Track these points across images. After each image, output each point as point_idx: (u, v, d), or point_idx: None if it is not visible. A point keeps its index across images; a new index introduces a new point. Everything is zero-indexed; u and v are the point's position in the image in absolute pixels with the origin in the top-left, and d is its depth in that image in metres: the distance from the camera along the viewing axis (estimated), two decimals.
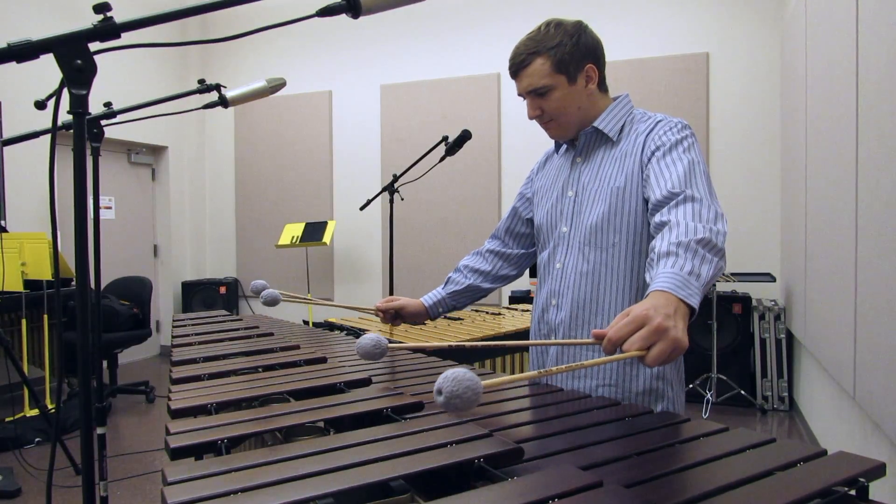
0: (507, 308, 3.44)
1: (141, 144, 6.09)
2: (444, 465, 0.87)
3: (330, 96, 6.12)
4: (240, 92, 2.06)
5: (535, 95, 1.45)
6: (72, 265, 3.65)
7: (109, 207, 5.89)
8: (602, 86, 1.50)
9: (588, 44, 1.44)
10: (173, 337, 2.06)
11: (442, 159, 3.19)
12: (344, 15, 1.01)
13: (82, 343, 0.91)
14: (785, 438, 1.00)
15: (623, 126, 1.49)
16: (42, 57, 0.88)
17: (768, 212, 4.78)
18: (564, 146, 1.60)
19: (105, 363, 4.73)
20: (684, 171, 1.29)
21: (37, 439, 3.70)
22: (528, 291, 5.02)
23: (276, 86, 2.10)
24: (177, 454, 0.97)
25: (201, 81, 2.07)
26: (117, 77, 5.51)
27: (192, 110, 2.36)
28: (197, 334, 2.07)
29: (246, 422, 1.08)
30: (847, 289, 2.42)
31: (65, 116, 1.02)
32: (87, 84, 0.88)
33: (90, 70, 0.88)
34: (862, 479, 0.84)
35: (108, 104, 1.99)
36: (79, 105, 0.87)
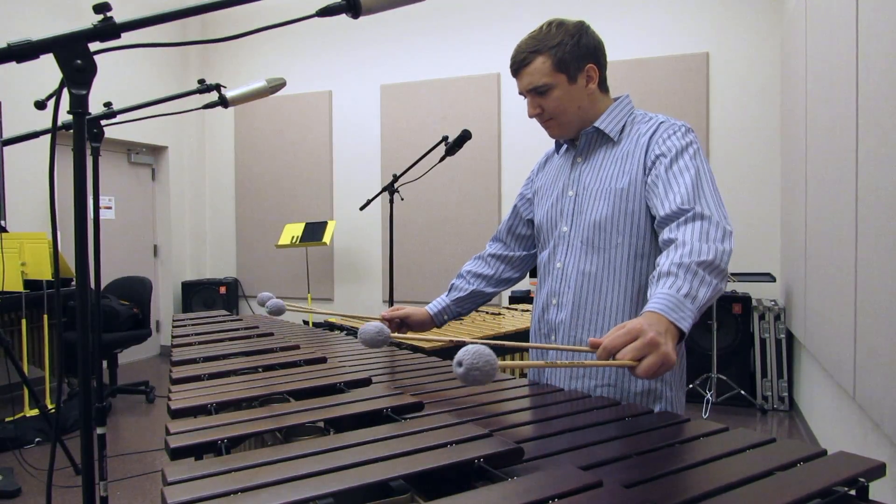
0: (507, 308, 3.44)
1: (141, 144, 6.09)
2: (444, 465, 0.87)
3: (330, 96, 6.12)
4: (240, 92, 2.06)
5: (535, 94, 1.46)
6: (72, 265, 3.65)
7: (109, 207, 5.89)
8: (603, 86, 1.51)
9: (589, 44, 1.45)
10: (173, 337, 2.06)
11: (442, 159, 3.19)
12: (344, 15, 1.01)
13: (82, 343, 0.91)
14: (785, 438, 1.00)
15: (624, 126, 1.49)
16: (42, 57, 0.88)
17: (768, 212, 4.78)
18: (565, 146, 1.60)
19: (105, 363, 4.73)
20: (692, 182, 1.30)
21: (37, 439, 3.70)
22: (529, 291, 5.02)
23: (276, 86, 2.10)
24: (177, 454, 0.97)
25: (201, 81, 2.07)
26: (117, 77, 5.51)
27: (192, 110, 2.36)
28: (197, 334, 2.07)
29: (246, 422, 1.08)
30: (847, 289, 2.42)
31: (65, 116, 1.02)
32: (87, 84, 0.88)
33: (90, 70, 0.88)
34: (862, 479, 0.84)
35: (108, 104, 1.99)
36: (79, 105, 0.87)
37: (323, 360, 1.62)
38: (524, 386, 1.45)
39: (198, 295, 6.19)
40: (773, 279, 4.54)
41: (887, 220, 1.92)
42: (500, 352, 2.71)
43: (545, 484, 0.79)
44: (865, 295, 2.19)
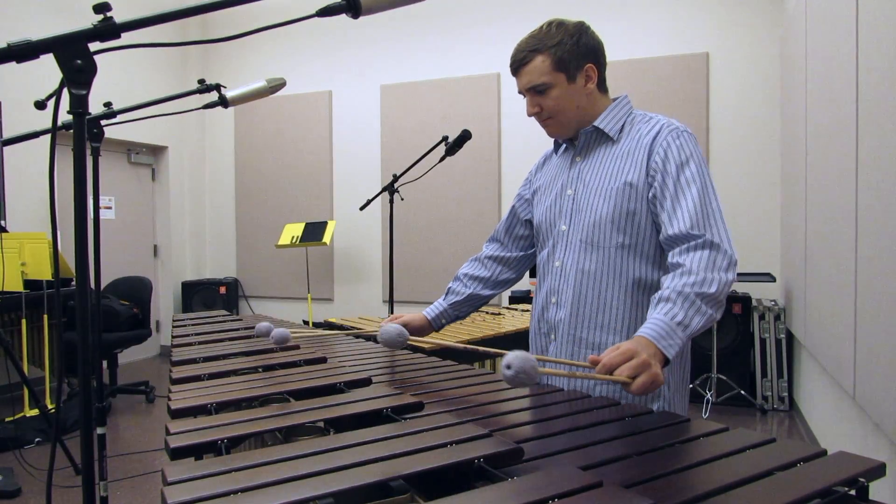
0: (507, 308, 3.44)
1: (141, 144, 6.09)
2: (444, 465, 0.87)
3: (330, 96, 6.12)
4: (240, 92, 2.06)
5: (534, 93, 1.47)
6: (72, 265, 3.64)
7: (109, 207, 5.89)
8: (602, 86, 1.51)
9: (589, 44, 1.46)
10: (173, 337, 2.06)
11: (442, 159, 3.20)
12: (344, 15, 1.01)
13: (82, 343, 0.91)
14: (785, 438, 1.00)
15: (623, 126, 1.50)
16: (42, 57, 0.88)
17: (768, 212, 4.78)
18: (563, 146, 1.61)
19: (105, 363, 4.73)
20: (699, 199, 1.33)
21: (37, 439, 3.70)
22: (528, 291, 5.02)
23: (276, 86, 2.10)
24: (177, 454, 0.97)
25: (201, 81, 2.07)
26: (117, 77, 5.51)
27: (192, 110, 2.36)
28: (197, 334, 2.07)
29: (246, 422, 1.08)
30: (847, 289, 2.42)
31: (65, 116, 1.02)
32: (87, 84, 0.88)
33: (90, 70, 0.88)
34: (862, 479, 0.84)
35: (108, 104, 1.99)
36: (79, 105, 0.87)
37: (323, 360, 1.62)
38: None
39: (198, 295, 6.19)
40: (773, 279, 4.54)
41: (887, 220, 1.92)
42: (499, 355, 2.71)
43: (545, 484, 0.79)
44: (865, 295, 2.19)
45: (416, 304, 5.32)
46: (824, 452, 0.93)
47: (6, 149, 4.67)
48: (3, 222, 4.57)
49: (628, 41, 5.05)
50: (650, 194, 1.40)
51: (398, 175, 3.32)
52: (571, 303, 1.48)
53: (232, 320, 2.45)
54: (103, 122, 1.98)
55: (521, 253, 1.75)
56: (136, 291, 4.97)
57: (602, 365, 1.10)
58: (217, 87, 2.07)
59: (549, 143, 1.66)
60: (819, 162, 3.05)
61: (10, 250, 3.70)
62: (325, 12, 1.00)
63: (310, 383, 1.35)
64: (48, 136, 1.13)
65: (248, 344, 1.86)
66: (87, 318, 0.91)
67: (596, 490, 0.79)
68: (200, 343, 1.91)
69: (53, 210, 0.99)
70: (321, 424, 1.11)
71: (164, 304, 6.38)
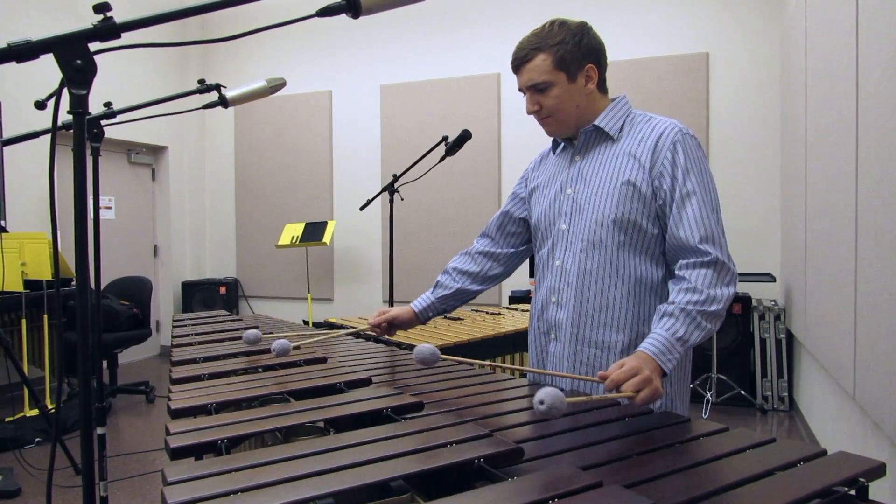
0: (507, 308, 3.44)
1: (141, 144, 6.09)
2: (444, 465, 0.87)
3: (330, 96, 6.12)
4: (240, 92, 2.06)
5: (534, 91, 1.47)
6: (72, 265, 3.64)
7: (109, 207, 5.89)
8: (602, 87, 1.52)
9: (590, 44, 1.46)
10: (173, 337, 2.06)
11: (442, 159, 3.20)
12: (344, 15, 1.01)
13: (82, 343, 0.91)
14: (785, 438, 1.00)
15: (623, 125, 1.50)
16: (42, 57, 0.88)
17: (768, 212, 4.78)
18: (562, 145, 1.61)
19: (105, 363, 4.73)
20: (705, 206, 1.38)
21: (37, 439, 3.70)
22: (528, 291, 5.02)
23: (276, 86, 2.10)
24: (177, 454, 0.97)
25: (201, 81, 2.07)
26: (117, 77, 5.50)
27: (192, 110, 2.36)
28: (197, 334, 2.07)
29: (246, 422, 1.08)
30: (847, 289, 2.42)
31: (65, 116, 1.02)
32: (87, 84, 0.88)
33: (90, 70, 0.88)
34: (862, 479, 0.84)
35: (108, 104, 1.99)
36: (79, 105, 0.87)
37: (323, 360, 1.62)
38: (524, 386, 1.45)
39: (198, 295, 6.19)
40: (773, 279, 4.54)
41: (887, 220, 1.92)
42: (500, 353, 2.71)
43: (545, 484, 0.79)
44: (865, 295, 2.19)
45: None
46: (824, 452, 0.93)
47: (6, 149, 4.67)
48: (3, 222, 4.57)
49: (628, 41, 5.05)
50: (656, 195, 1.42)
51: (398, 175, 3.32)
52: (574, 302, 1.48)
53: (232, 320, 2.45)
54: (103, 122, 1.98)
55: (512, 250, 1.75)
56: (136, 291, 4.97)
57: (610, 380, 1.20)
58: (217, 87, 2.07)
59: (549, 142, 1.66)
60: (819, 162, 3.05)
61: (10, 250, 3.70)
62: (325, 12, 1.00)
63: (310, 383, 1.35)
64: (48, 136, 1.13)
65: (248, 344, 1.86)
66: (87, 318, 0.91)
67: (596, 490, 0.79)
68: (200, 343, 1.91)
69: (53, 210, 0.99)
70: (321, 424, 1.11)
71: (164, 304, 6.38)
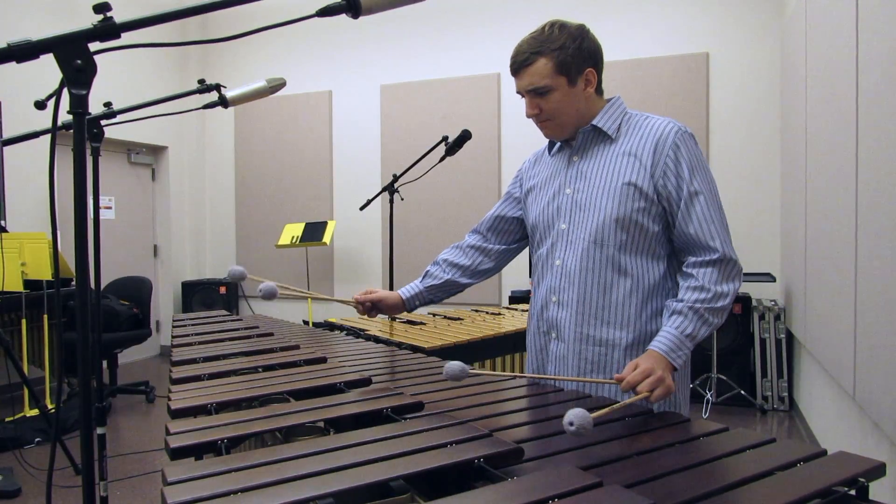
0: (508, 308, 3.44)
1: (141, 144, 6.09)
2: (444, 465, 0.87)
3: (330, 96, 6.12)
4: (240, 92, 2.06)
5: (534, 94, 1.47)
6: (72, 265, 3.64)
7: (109, 207, 5.89)
8: (598, 89, 1.53)
9: (590, 48, 1.47)
10: (173, 337, 2.06)
11: (442, 159, 3.20)
12: (344, 15, 1.01)
13: (82, 343, 0.91)
14: (785, 438, 1.00)
15: (620, 125, 1.51)
16: (42, 57, 0.88)
17: (768, 212, 4.77)
18: (558, 145, 1.61)
19: (105, 363, 4.73)
20: (711, 204, 1.42)
21: (37, 439, 3.70)
22: (529, 291, 5.02)
23: (276, 86, 2.10)
24: (177, 454, 0.97)
25: (201, 81, 2.07)
26: (117, 77, 5.50)
27: (192, 110, 2.36)
28: (197, 334, 2.07)
29: (246, 422, 1.08)
30: (847, 289, 2.42)
31: (65, 116, 1.02)
32: (87, 84, 0.88)
33: (90, 70, 0.88)
34: (862, 479, 0.84)
35: (108, 104, 1.99)
36: (79, 105, 0.87)
37: (323, 360, 1.63)
38: (524, 386, 1.45)
39: (198, 295, 6.19)
40: (773, 279, 4.54)
41: (887, 220, 1.92)
42: (499, 353, 2.71)
43: (545, 484, 0.79)
44: (865, 295, 2.19)
45: None
46: (824, 452, 0.93)
47: (6, 149, 4.67)
48: (3, 222, 4.57)
49: (628, 41, 5.05)
50: (660, 194, 1.43)
51: (398, 175, 3.32)
52: (577, 302, 1.49)
53: (232, 320, 2.45)
54: (103, 122, 1.98)
55: (504, 246, 1.76)
56: (136, 291, 4.97)
57: (626, 382, 1.27)
58: (217, 87, 2.07)
59: (549, 141, 1.66)
60: (819, 162, 3.05)
61: (10, 250, 3.70)
62: (325, 12, 1.00)
63: (310, 383, 1.35)
64: (48, 136, 1.13)
65: (248, 344, 1.86)
66: (87, 318, 0.91)
67: (596, 490, 0.79)
68: (200, 343, 1.91)
69: (53, 210, 0.99)
70: (321, 424, 1.11)
71: (164, 304, 6.38)
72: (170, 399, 1.25)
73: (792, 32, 4.06)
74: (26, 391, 3.89)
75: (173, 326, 2.30)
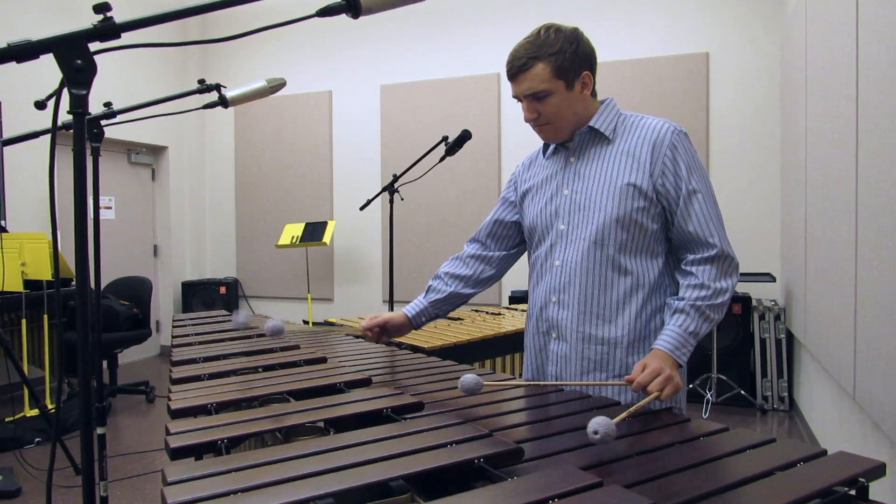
0: (507, 308, 3.44)
1: (141, 144, 6.09)
2: (444, 465, 0.87)
3: (330, 96, 6.12)
4: (240, 92, 2.06)
5: (533, 99, 1.48)
6: (72, 265, 3.64)
7: (109, 207, 5.89)
8: (593, 92, 1.55)
9: (585, 51, 1.49)
10: (173, 337, 2.06)
11: (442, 159, 3.19)
12: (344, 15, 1.01)
13: (82, 343, 0.91)
14: (785, 438, 1.00)
15: (615, 126, 1.53)
16: (42, 57, 0.88)
17: (768, 212, 4.77)
18: (553, 147, 1.62)
19: (105, 363, 4.73)
20: (709, 202, 1.45)
21: (37, 439, 3.70)
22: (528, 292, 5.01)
23: (276, 86, 2.10)
24: (177, 454, 0.97)
25: (201, 81, 2.07)
26: (117, 77, 5.50)
27: (192, 110, 2.36)
28: (197, 334, 2.07)
29: (246, 422, 1.08)
30: (847, 289, 2.42)
31: (65, 116, 1.02)
32: (87, 84, 0.88)
33: (90, 70, 0.88)
34: (862, 479, 0.84)
35: (108, 104, 1.99)
36: (79, 105, 0.87)
37: (323, 360, 1.63)
38: (524, 386, 1.45)
39: (198, 295, 6.19)
40: (773, 279, 4.54)
41: (887, 220, 1.92)
42: (500, 352, 2.71)
43: (545, 484, 0.79)
44: (865, 295, 2.19)
45: None
46: (824, 452, 0.93)
47: (6, 149, 4.67)
48: (3, 222, 4.57)
49: (628, 41, 5.05)
50: (658, 193, 1.45)
51: (398, 175, 3.32)
52: (578, 301, 1.50)
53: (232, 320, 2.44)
54: (103, 122, 1.98)
55: (504, 252, 1.76)
56: (136, 291, 4.97)
57: (637, 383, 1.30)
58: (217, 87, 2.07)
59: None
60: (819, 162, 3.05)
61: (10, 250, 3.70)
62: (325, 12, 1.00)
63: (310, 383, 1.35)
64: (48, 136, 1.13)
65: (248, 344, 1.86)
66: (87, 318, 0.91)
67: (596, 490, 0.79)
68: (200, 343, 1.91)
69: (53, 210, 0.99)
70: (321, 424, 1.11)
71: (164, 304, 6.38)
72: (170, 399, 1.25)
73: (792, 32, 4.06)
74: (26, 391, 3.89)
75: (173, 326, 2.30)
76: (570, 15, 5.11)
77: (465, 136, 3.16)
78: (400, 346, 2.20)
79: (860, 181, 2.25)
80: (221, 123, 6.57)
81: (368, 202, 3.59)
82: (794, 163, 3.95)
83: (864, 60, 2.22)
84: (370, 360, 1.76)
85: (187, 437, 1.01)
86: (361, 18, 1.03)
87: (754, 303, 4.53)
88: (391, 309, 3.45)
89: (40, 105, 1.22)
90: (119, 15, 0.90)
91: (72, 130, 0.90)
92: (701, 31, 4.92)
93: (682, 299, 1.42)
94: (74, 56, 0.86)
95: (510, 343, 2.73)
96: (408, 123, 5.77)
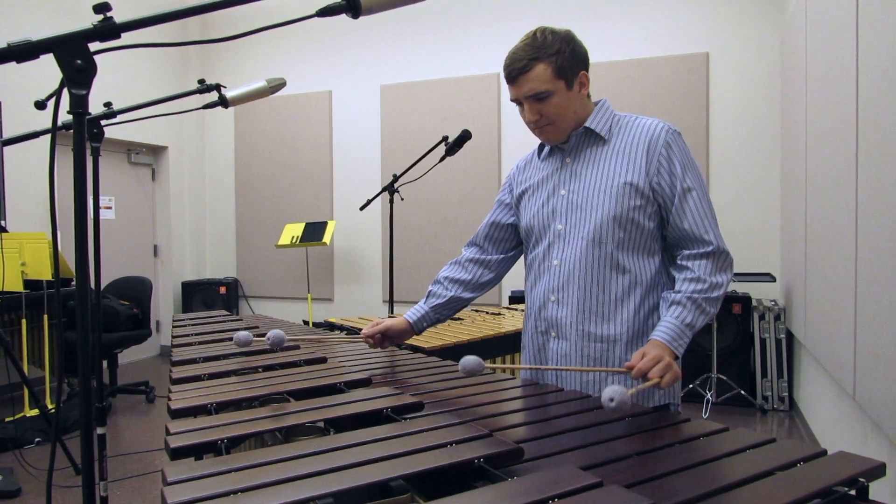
0: (507, 308, 3.44)
1: (141, 144, 6.09)
2: (444, 465, 0.87)
3: (330, 96, 6.12)
4: (240, 92, 2.06)
5: (534, 100, 1.49)
6: (72, 265, 3.64)
7: (109, 207, 5.89)
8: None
9: (581, 52, 1.51)
10: (173, 337, 2.06)
11: (442, 159, 3.20)
12: (344, 15, 1.01)
13: (82, 343, 0.91)
14: (785, 438, 1.00)
15: (610, 126, 1.55)
16: (42, 57, 0.88)
17: (768, 212, 4.77)
18: (548, 149, 1.64)
19: (105, 363, 4.73)
20: (703, 199, 1.48)
21: (37, 439, 3.70)
22: None
23: (276, 86, 2.10)
24: (177, 454, 0.97)
25: (201, 81, 2.07)
26: (117, 77, 5.50)
27: (192, 110, 2.36)
28: (197, 334, 2.07)
29: (246, 422, 1.08)
30: (847, 289, 2.42)
31: (65, 116, 1.02)
32: (87, 84, 0.88)
33: (90, 70, 0.88)
34: (862, 479, 0.84)
35: (108, 104, 1.99)
36: (79, 105, 0.87)
37: (323, 360, 1.63)
38: (524, 386, 1.45)
39: (198, 295, 6.19)
40: (773, 279, 4.54)
41: (887, 219, 1.92)
42: (500, 351, 2.71)
43: (545, 484, 0.79)
44: (865, 295, 2.19)
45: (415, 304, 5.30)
46: (824, 452, 0.93)
47: (6, 149, 4.67)
48: (3, 222, 4.57)
49: (628, 41, 5.05)
50: (655, 192, 1.48)
51: (398, 175, 3.32)
52: (577, 300, 1.52)
53: (232, 320, 2.45)
54: (103, 122, 1.98)
55: (502, 255, 1.77)
56: (136, 291, 4.97)
57: (637, 370, 1.31)
58: (217, 87, 2.07)
59: None
60: (819, 162, 3.05)
61: (10, 250, 3.70)
62: (325, 12, 1.00)
63: (310, 383, 1.35)
64: (48, 136, 1.13)
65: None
66: (87, 318, 0.91)
67: (596, 490, 0.79)
68: (200, 343, 1.91)
69: (53, 210, 0.99)
70: (321, 424, 1.11)
71: (164, 304, 6.38)
72: (170, 399, 1.25)
73: (792, 32, 4.06)
74: (26, 391, 3.89)
75: (173, 326, 2.30)
76: (570, 14, 5.11)
77: (464, 137, 3.16)
78: (400, 346, 2.20)
79: (860, 181, 2.25)
80: (221, 123, 6.57)
81: (368, 202, 3.59)
82: (794, 163, 3.95)
83: (864, 60, 2.22)
84: (370, 360, 1.76)
85: (187, 437, 1.01)
86: (361, 18, 1.03)
87: (754, 303, 4.53)
88: (391, 309, 3.45)
89: (40, 105, 1.22)
90: (119, 15, 0.90)
91: (72, 130, 0.90)
92: (701, 31, 4.92)
93: (679, 292, 1.44)
94: (74, 56, 0.86)
95: (510, 343, 2.73)
96: (408, 123, 5.77)
